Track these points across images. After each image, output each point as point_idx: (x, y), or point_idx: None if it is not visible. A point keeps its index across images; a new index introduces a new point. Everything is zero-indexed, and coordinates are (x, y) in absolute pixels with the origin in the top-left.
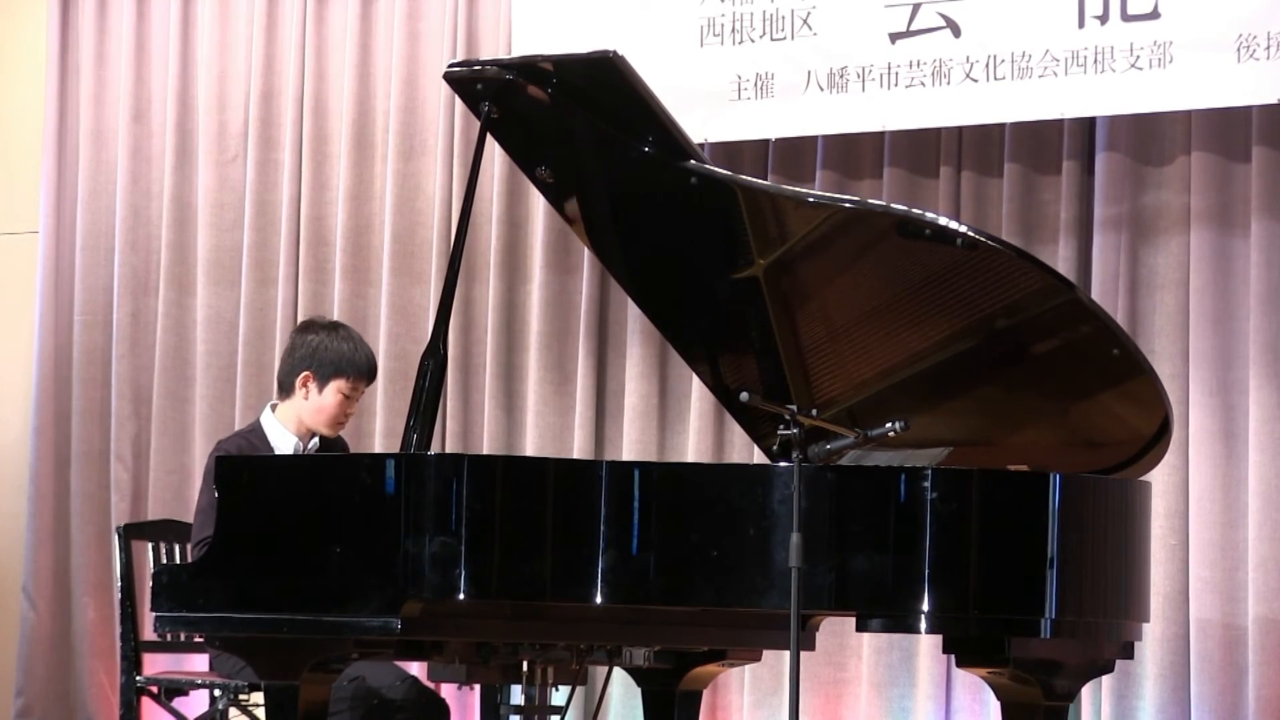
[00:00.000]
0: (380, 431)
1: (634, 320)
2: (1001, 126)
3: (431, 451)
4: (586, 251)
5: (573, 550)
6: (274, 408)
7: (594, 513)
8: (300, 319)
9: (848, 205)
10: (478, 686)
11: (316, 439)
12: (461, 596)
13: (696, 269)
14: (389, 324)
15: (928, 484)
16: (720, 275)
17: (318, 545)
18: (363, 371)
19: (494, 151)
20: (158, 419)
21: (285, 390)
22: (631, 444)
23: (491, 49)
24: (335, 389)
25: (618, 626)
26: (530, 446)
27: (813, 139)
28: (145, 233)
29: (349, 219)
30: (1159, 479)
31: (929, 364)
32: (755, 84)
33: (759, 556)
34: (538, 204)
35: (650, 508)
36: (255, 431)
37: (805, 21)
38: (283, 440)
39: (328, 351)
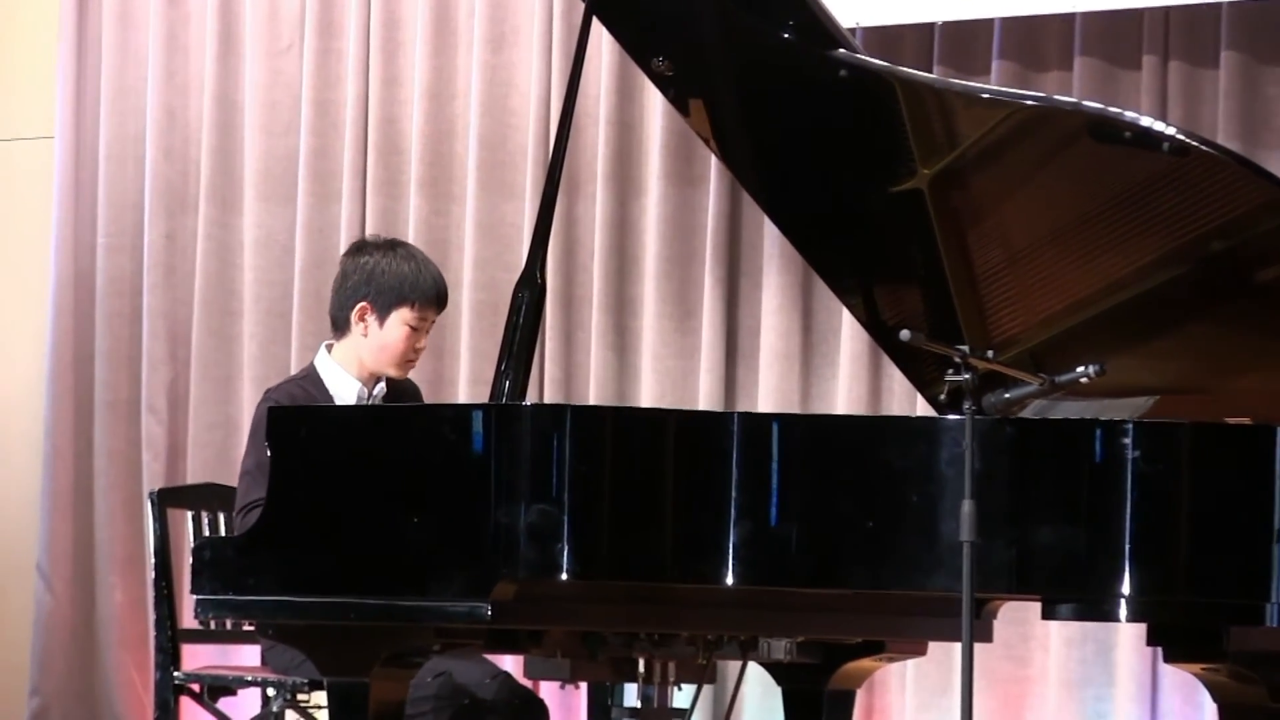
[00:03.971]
0: (465, 378)
1: (771, 243)
2: (1217, 4)
3: (528, 401)
4: (713, 160)
5: (699, 521)
6: (329, 348)
7: (724, 475)
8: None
9: (1030, 103)
10: (583, 685)
11: (382, 384)
12: (564, 576)
13: (846, 181)
14: (475, 248)
15: (1129, 440)
16: (876, 188)
17: (391, 515)
18: (430, 296)
19: (601, 38)
20: (198, 362)
21: (340, 326)
22: (769, 392)
23: None
24: (399, 320)
25: (753, 613)
26: (646, 395)
27: (987, 23)
28: (182, 138)
29: (426, 122)
30: None
31: (1128, 295)
32: None
33: (923, 528)
34: (654, 102)
35: (792, 469)
36: (310, 377)
37: None
38: (343, 386)
39: (386, 275)
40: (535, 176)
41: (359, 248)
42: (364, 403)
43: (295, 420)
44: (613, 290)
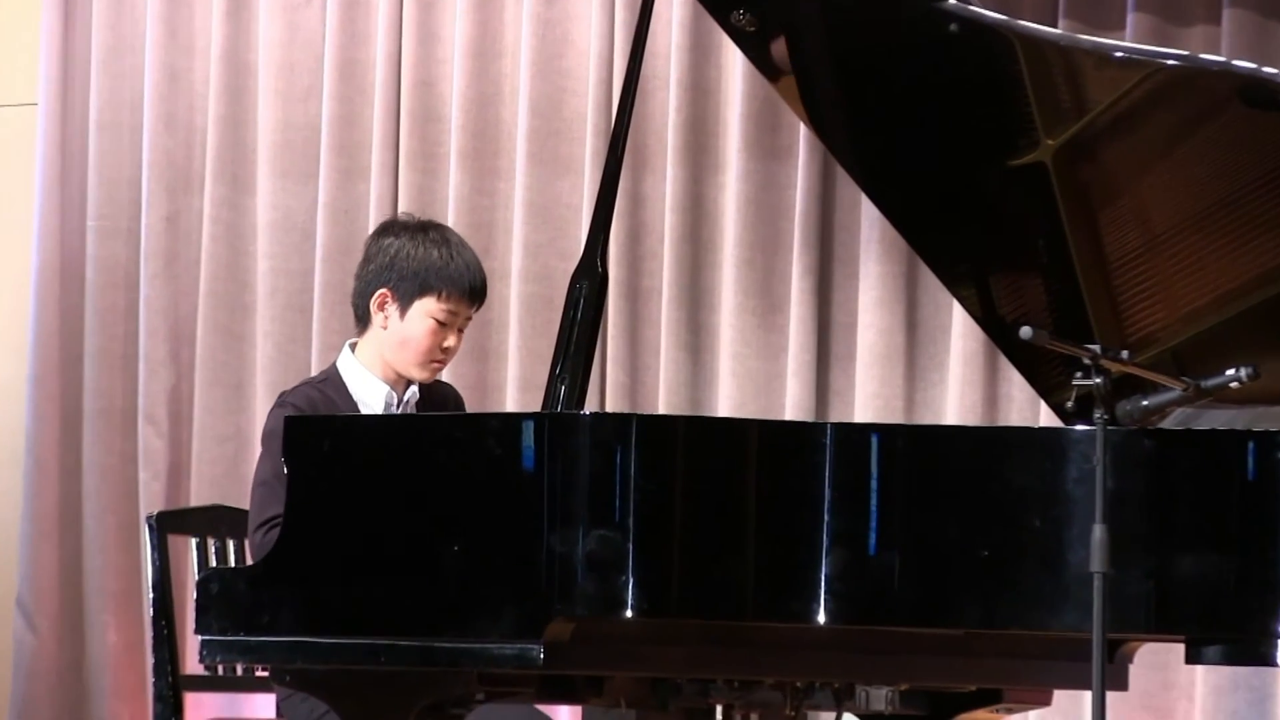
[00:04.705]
0: (514, 382)
1: (870, 225)
2: None
3: (586, 410)
4: (803, 129)
5: (786, 549)
6: (353, 347)
7: (815, 496)
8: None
9: (1171, 63)
10: None
11: (414, 388)
12: (629, 614)
13: (958, 153)
14: (525, 231)
15: None
16: (993, 162)
17: (428, 542)
18: (460, 287)
19: None
20: (204, 365)
21: (362, 318)
22: (867, 399)
23: None
24: (422, 312)
25: (849, 656)
26: (725, 403)
27: None
28: (186, 104)
29: (469, 85)
30: None
31: None
32: None
33: (1047, 557)
34: (734, 63)
35: (894, 489)
36: (331, 380)
37: None
38: (369, 391)
39: (411, 259)
40: (595, 149)
41: (386, 228)
42: (393, 410)
43: (315, 431)
44: (686, 281)
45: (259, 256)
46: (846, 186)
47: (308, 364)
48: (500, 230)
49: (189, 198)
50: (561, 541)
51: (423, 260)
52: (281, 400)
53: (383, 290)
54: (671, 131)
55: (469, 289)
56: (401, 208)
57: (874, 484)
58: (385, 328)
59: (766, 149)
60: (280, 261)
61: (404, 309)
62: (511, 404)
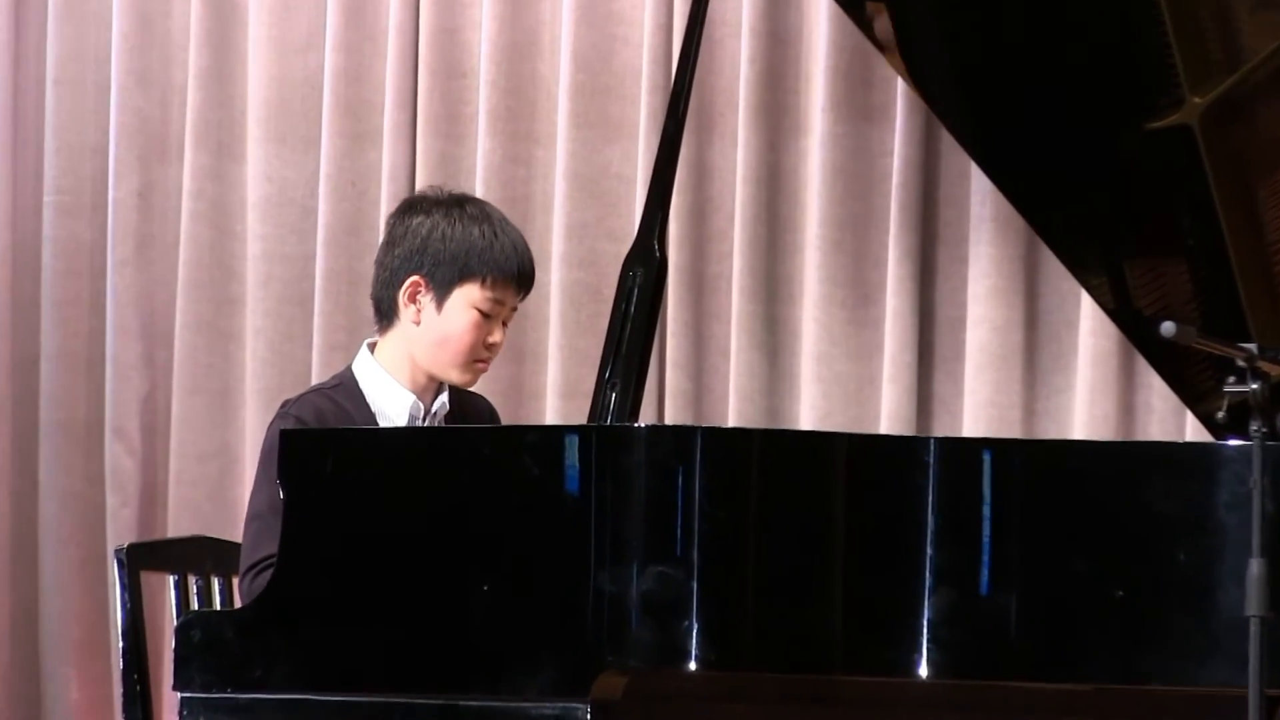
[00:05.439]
0: (554, 387)
1: (983, 200)
2: None
3: (641, 422)
4: (900, 86)
5: (881, 588)
6: (373, 347)
7: (916, 524)
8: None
9: None
10: None
11: (444, 396)
12: (693, 666)
13: (1088, 114)
14: (568, 208)
15: None
16: (1129, 125)
17: (452, 580)
18: (509, 270)
19: None
20: (183, 368)
21: (386, 314)
22: (978, 407)
23: None
24: (464, 302)
25: (957, 716)
26: (807, 413)
27: None
28: (161, 57)
29: (500, 33)
30: None
31: None
32: None
33: (1194, 598)
34: (817, 6)
35: (1010, 515)
36: (345, 387)
37: None
38: (391, 400)
39: (448, 240)
40: (652, 109)
41: (413, 205)
42: (419, 423)
43: (316, 446)
44: (760, 267)
45: (249, 238)
46: (954, 153)
47: (307, 366)
48: (538, 207)
49: (165, 168)
50: (612, 580)
51: (462, 241)
52: (284, 411)
53: (415, 278)
54: (744, 88)
55: (517, 273)
56: (420, 179)
57: (986, 510)
58: (418, 323)
59: (857, 108)
60: (275, 244)
61: (441, 299)
62: (552, 415)
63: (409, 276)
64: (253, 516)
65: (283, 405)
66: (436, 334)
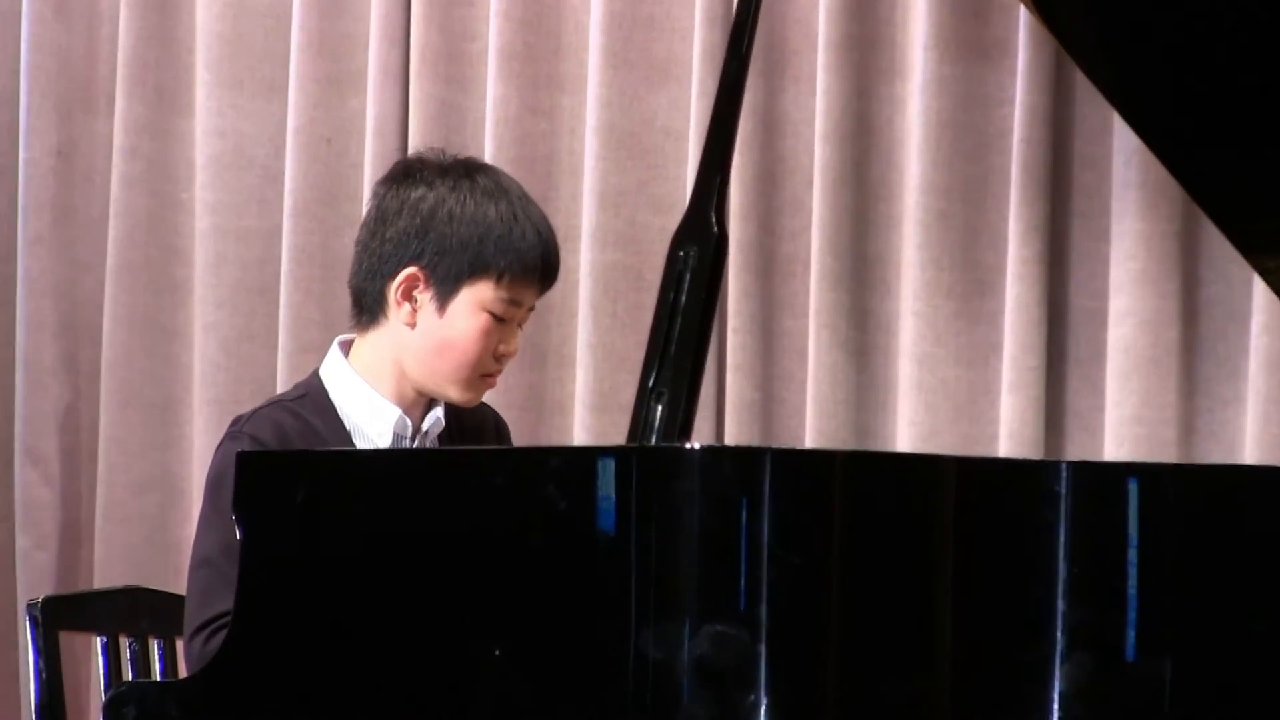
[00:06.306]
0: (584, 398)
1: (1127, 161)
2: None
3: (695, 442)
4: (1024, 15)
5: (999, 651)
6: (346, 347)
7: (1044, 570)
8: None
9: None
10: None
11: (439, 411)
12: None
13: (1259, 61)
14: (601, 170)
15: None
16: None
17: (455, 643)
18: (531, 263)
19: None
20: (114, 373)
21: (370, 309)
22: (1122, 424)
23: None
24: (473, 302)
25: None
26: (904, 430)
27: None
28: None
29: None
30: None
31: None
32: None
33: None
34: None
35: (1165, 561)
36: (311, 397)
37: None
38: (369, 414)
39: (456, 222)
40: (708, 46)
41: (407, 172)
42: (406, 443)
43: (288, 474)
44: (845, 246)
45: (197, 209)
46: (1090, 102)
47: (271, 372)
48: (564, 169)
49: (90, 121)
50: (658, 642)
51: (474, 224)
52: (236, 430)
53: (412, 270)
54: (822, 19)
55: (541, 265)
56: (414, 135)
57: (1133, 554)
58: (412, 325)
59: (968, 44)
60: (230, 216)
61: (444, 299)
62: (581, 432)
63: (405, 267)
64: (200, 562)
65: (233, 423)
66: (435, 341)
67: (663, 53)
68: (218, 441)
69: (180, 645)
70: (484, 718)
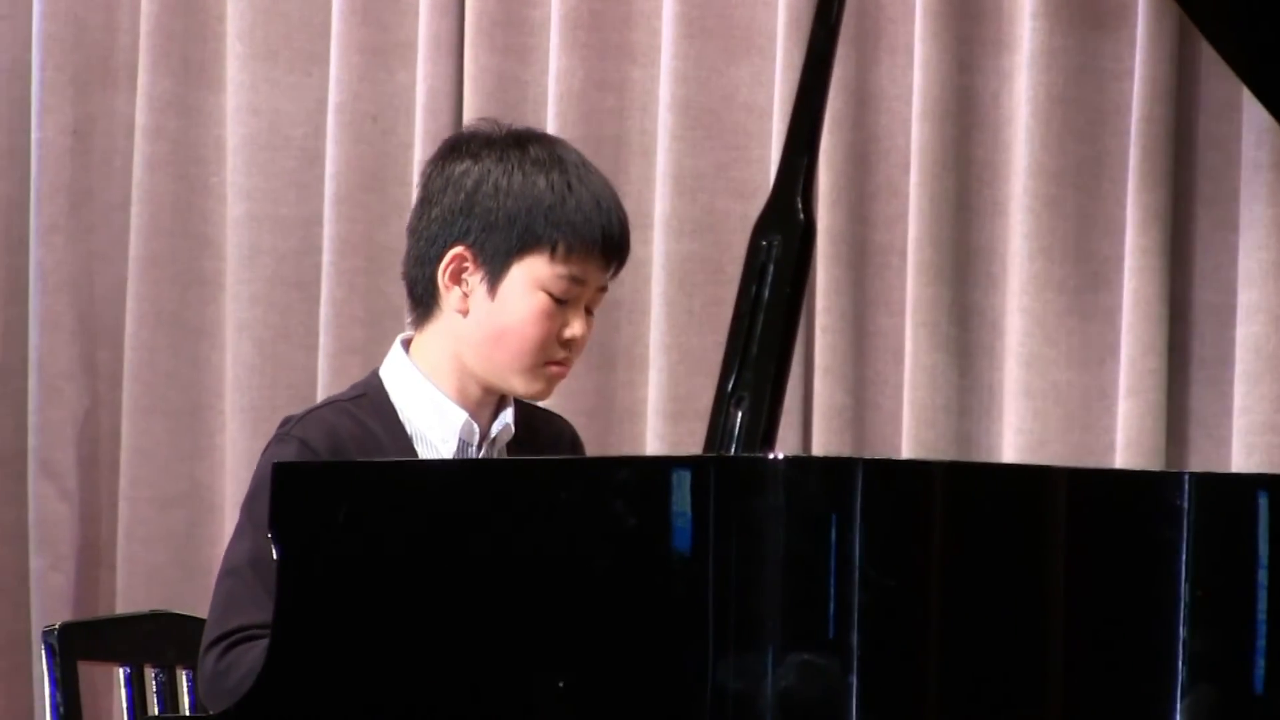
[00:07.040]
0: (656, 403)
1: (1257, 141)
2: None
3: (779, 452)
4: None
5: (1115, 685)
6: (407, 345)
7: (1164, 593)
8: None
9: None
10: None
11: (507, 415)
12: None
13: None
14: (675, 151)
15: None
16: None
17: (515, 674)
18: (588, 234)
19: None
20: (137, 377)
21: (424, 301)
22: (1252, 431)
23: None
24: (527, 280)
25: None
26: (1011, 438)
27: None
28: None
29: None
30: None
31: None
32: None
33: None
34: None
35: None
36: (370, 397)
37: None
38: (433, 417)
39: (503, 195)
40: (795, 12)
41: (454, 148)
42: (472, 451)
43: (328, 488)
44: (945, 235)
45: (229, 195)
46: (1217, 76)
47: (310, 376)
48: (634, 149)
49: (110, 97)
50: (738, 672)
51: (521, 195)
52: (284, 432)
53: (458, 249)
54: None
55: (603, 239)
56: (469, 111)
57: (1262, 576)
58: (465, 311)
59: (1081, 12)
60: (264, 203)
61: (495, 279)
62: (654, 441)
63: (450, 247)
64: (227, 571)
65: (282, 424)
66: (491, 327)
67: (744, 20)
68: (253, 450)
69: (198, 669)
70: None
